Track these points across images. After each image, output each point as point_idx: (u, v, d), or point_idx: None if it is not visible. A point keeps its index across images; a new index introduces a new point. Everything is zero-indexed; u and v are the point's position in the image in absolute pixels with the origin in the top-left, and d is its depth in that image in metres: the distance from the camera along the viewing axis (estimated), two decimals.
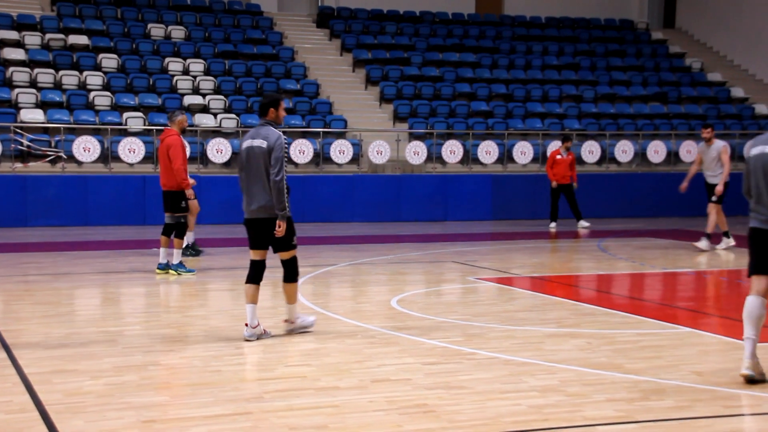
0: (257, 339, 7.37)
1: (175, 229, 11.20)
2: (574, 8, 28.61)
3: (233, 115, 20.07)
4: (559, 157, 17.70)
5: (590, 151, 21.32)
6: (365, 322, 8.19)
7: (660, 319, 8.39)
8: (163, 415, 5.29)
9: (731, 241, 14.16)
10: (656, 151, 21.65)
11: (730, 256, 13.52)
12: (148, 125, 18.99)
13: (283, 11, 26.52)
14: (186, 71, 21.41)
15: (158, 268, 11.14)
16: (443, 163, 20.59)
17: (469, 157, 20.69)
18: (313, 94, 21.91)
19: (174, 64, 21.38)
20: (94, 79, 20.21)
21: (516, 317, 8.51)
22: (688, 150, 21.73)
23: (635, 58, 26.55)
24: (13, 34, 20.96)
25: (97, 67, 20.70)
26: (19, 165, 17.83)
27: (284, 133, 22.20)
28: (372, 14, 26.15)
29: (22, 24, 21.53)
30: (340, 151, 19.64)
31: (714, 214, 13.83)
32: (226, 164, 19.15)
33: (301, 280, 10.65)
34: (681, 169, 21.93)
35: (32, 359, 6.60)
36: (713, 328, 7.92)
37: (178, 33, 22.83)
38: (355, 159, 20.06)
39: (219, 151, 18.80)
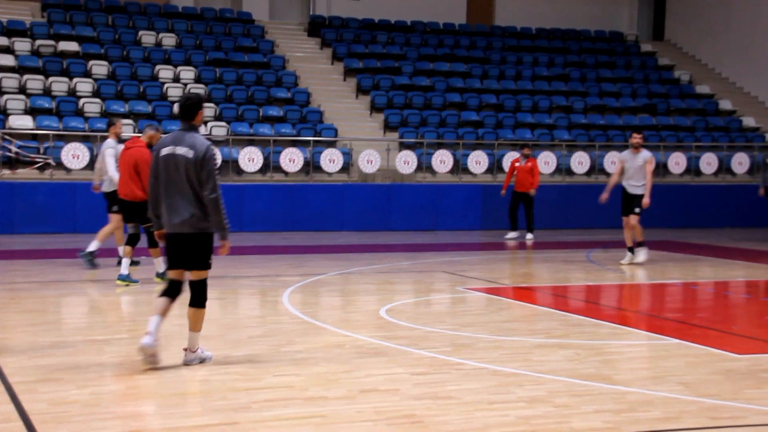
0: (152, 358, 6.59)
1: (148, 238, 11.10)
2: (564, 20, 28.72)
3: (223, 123, 20.05)
4: (518, 165, 17.58)
5: (580, 162, 21.37)
6: (354, 331, 8.18)
7: (648, 330, 8.41)
8: (149, 425, 5.26)
9: (633, 257, 13.52)
10: None
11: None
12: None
13: (274, 20, 26.54)
14: (177, 79, 21.39)
15: (119, 279, 10.74)
16: (433, 172, 20.60)
17: (459, 167, 20.72)
18: (303, 103, 21.92)
19: (165, 72, 21.36)
20: (84, 85, 20.17)
21: (504, 327, 8.51)
22: (677, 162, 21.81)
23: (625, 70, 26.67)
24: (2, 40, 20.91)
25: (87, 74, 20.67)
26: (7, 172, 17.76)
27: (274, 142, 22.21)
28: (363, 23, 26.20)
29: (12, 30, 21.48)
30: (331, 160, 19.63)
31: (639, 226, 13.41)
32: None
33: (290, 289, 10.67)
34: (669, 180, 22.02)
35: (17, 368, 6.56)
36: (701, 339, 7.94)
37: (169, 40, 22.81)
38: (346, 168, 20.06)
39: None
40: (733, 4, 27.70)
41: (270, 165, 19.33)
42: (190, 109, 6.69)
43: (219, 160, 17.83)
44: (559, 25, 28.36)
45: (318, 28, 25.64)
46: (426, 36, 26.25)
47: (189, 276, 6.75)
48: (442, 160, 20.32)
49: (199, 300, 6.73)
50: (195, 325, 6.71)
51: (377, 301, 10.16)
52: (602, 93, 25.07)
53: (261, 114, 20.98)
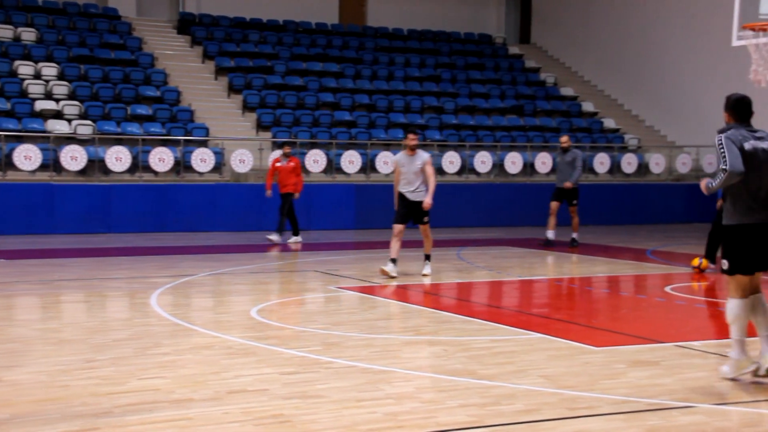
0: None
1: None
2: (435, 21, 29.22)
3: (89, 122, 19.44)
4: (279, 164, 16.41)
5: (451, 161, 21.78)
6: (224, 332, 8.08)
7: (514, 325, 8.64)
8: None
9: (394, 268, 11.84)
10: (513, 162, 22.34)
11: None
12: None
13: (142, 16, 25.91)
14: (38, 75, 20.59)
15: None
16: (306, 172, 20.55)
17: (333, 167, 20.77)
18: (173, 102, 21.49)
19: (24, 68, 20.52)
20: None
21: (376, 326, 8.59)
22: (543, 161, 22.51)
23: (493, 72, 27.34)
24: None
25: None
26: None
27: (143, 141, 21.77)
28: (234, 22, 25.91)
29: None
30: (202, 160, 19.33)
31: (430, 236, 12.03)
32: (82, 172, 18.52)
33: (159, 290, 10.44)
34: (537, 179, 22.72)
35: None
36: (562, 333, 8.22)
37: (28, 35, 21.92)
38: (218, 168, 19.80)
39: (73, 158, 18.16)
40: (593, 12, 28.85)
41: (139, 165, 18.86)
42: None
43: None
44: (430, 27, 28.82)
45: (188, 25, 25.20)
46: (298, 35, 26.20)
47: None
48: (316, 160, 20.33)
49: None
50: None
51: (249, 301, 10.07)
52: (472, 94, 25.61)
53: (129, 112, 20.45)
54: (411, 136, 11.74)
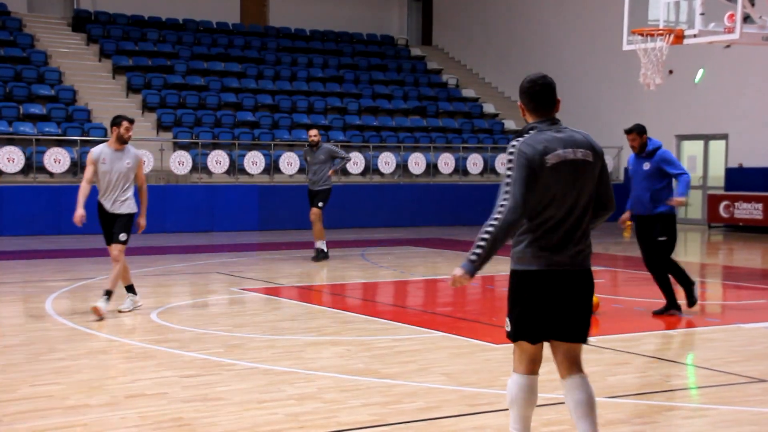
0: None
1: None
2: (337, 22, 29.22)
3: None
4: None
5: (354, 162, 21.81)
6: (122, 336, 7.91)
7: (416, 324, 8.71)
8: None
9: (137, 300, 9.37)
10: (416, 163, 22.52)
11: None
12: None
13: (34, 12, 25.11)
14: None
15: None
16: (209, 173, 20.31)
17: (236, 168, 20.55)
18: (69, 101, 20.91)
19: None
20: None
21: (279, 327, 8.54)
22: (446, 162, 22.78)
23: (396, 73, 27.51)
24: None
25: None
26: None
27: (37, 141, 21.15)
28: (132, 20, 25.36)
29: None
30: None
31: (123, 261, 9.05)
32: None
33: (54, 294, 10.14)
34: (439, 180, 22.97)
35: None
36: (464, 331, 8.33)
37: None
38: None
39: None
40: (492, 15, 29.35)
41: (33, 165, 18.27)
42: None
43: None
44: (332, 28, 28.81)
45: (83, 23, 24.55)
46: (199, 35, 25.83)
47: None
48: (218, 161, 20.07)
49: None
50: None
51: (149, 304, 9.86)
52: (375, 95, 25.72)
53: (21, 112, 19.79)
54: (127, 124, 8.91)
